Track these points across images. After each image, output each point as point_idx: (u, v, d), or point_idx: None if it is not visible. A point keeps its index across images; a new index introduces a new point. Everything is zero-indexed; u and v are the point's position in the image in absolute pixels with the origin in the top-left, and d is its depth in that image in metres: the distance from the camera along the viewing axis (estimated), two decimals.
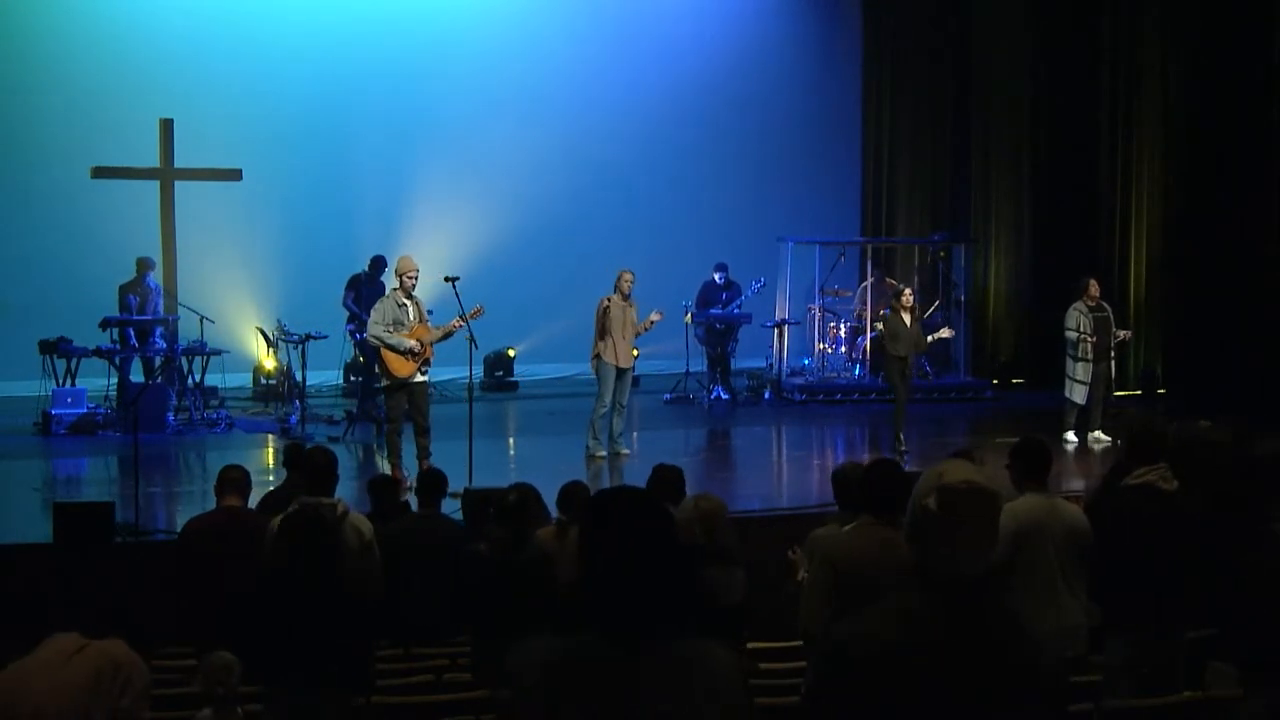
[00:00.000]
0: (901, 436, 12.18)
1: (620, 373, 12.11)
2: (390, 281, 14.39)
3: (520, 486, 6.80)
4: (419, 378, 10.96)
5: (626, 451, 12.10)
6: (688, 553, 5.32)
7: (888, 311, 13.03)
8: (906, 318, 12.42)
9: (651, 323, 12.29)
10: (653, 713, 2.62)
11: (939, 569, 2.86)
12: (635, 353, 12.55)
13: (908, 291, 12.81)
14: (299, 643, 5.19)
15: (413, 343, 10.83)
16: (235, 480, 7.15)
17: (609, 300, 12.14)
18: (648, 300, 12.88)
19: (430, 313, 11.31)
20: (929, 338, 12.79)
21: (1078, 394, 12.78)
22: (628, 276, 12.22)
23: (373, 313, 11.20)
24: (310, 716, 5.12)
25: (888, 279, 16.88)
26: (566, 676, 2.62)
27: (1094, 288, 12.87)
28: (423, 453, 10.91)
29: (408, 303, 10.99)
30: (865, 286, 16.74)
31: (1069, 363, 12.85)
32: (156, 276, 14.29)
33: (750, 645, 6.12)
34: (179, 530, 9.39)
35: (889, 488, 4.96)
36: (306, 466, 6.65)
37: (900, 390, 12.45)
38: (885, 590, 4.30)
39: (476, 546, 6.43)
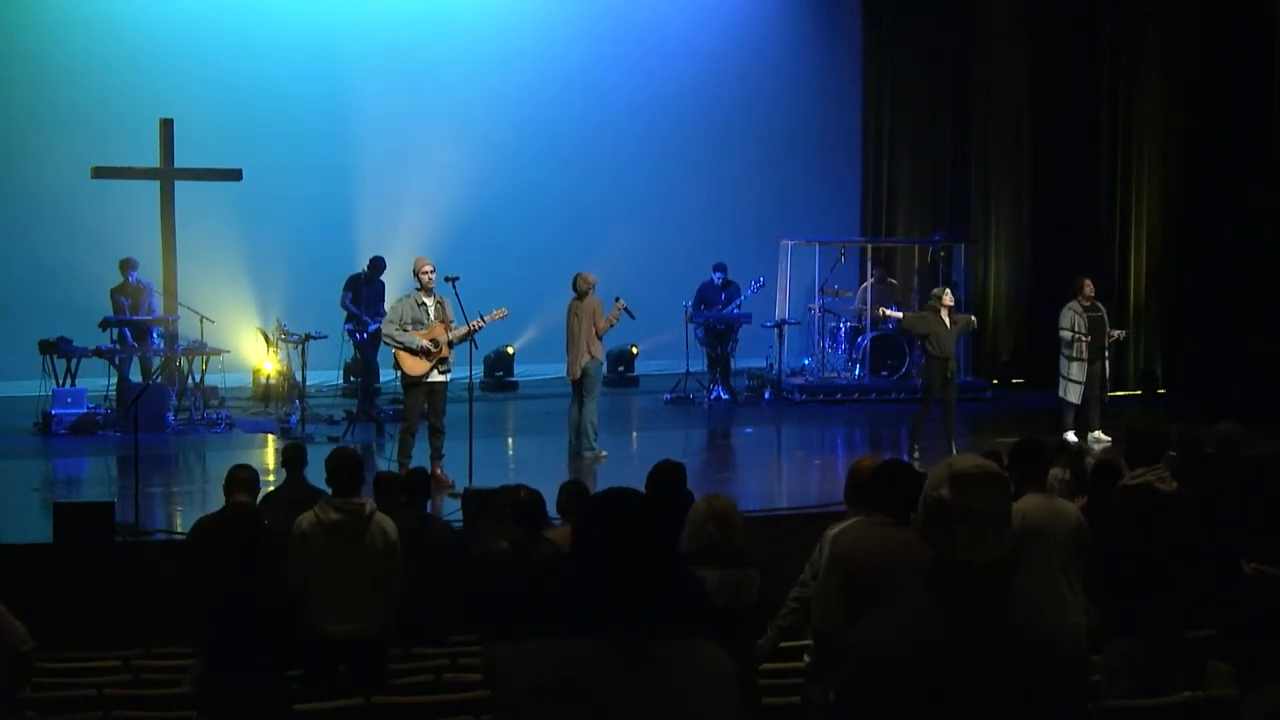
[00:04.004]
0: (950, 445, 11.80)
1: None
2: (389, 282, 14.50)
3: (523, 486, 6.80)
4: (437, 377, 10.94)
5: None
6: (678, 552, 5.30)
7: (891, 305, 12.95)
8: (946, 318, 12.10)
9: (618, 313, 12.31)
10: (647, 713, 2.61)
11: (953, 559, 2.82)
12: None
13: (948, 291, 12.43)
14: (228, 639, 5.21)
15: (423, 341, 10.83)
16: (244, 479, 7.18)
17: (594, 301, 12.13)
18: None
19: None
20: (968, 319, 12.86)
21: (1072, 393, 12.77)
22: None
23: (389, 311, 11.26)
24: (241, 713, 5.12)
25: (889, 279, 16.90)
26: (560, 679, 2.62)
27: (1088, 287, 12.86)
28: (435, 454, 10.92)
29: (427, 301, 10.99)
30: (865, 287, 16.73)
31: (1063, 362, 12.85)
32: (152, 275, 14.29)
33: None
34: (179, 530, 9.49)
35: (902, 486, 4.92)
36: (329, 468, 6.68)
37: (934, 394, 12.01)
38: (898, 589, 4.29)
39: (498, 545, 6.41)
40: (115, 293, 13.98)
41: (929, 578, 2.87)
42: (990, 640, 2.78)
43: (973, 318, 13.32)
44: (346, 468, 6.57)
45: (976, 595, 2.81)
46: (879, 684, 2.79)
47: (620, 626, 2.65)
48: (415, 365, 10.87)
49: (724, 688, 2.71)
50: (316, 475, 7.25)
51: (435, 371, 10.92)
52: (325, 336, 14.16)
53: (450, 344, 10.94)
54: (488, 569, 6.33)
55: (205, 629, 5.32)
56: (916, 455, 11.65)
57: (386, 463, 11.32)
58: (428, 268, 11.00)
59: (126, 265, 14.10)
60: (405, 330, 10.87)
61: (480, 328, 11.00)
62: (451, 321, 10.99)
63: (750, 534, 5.94)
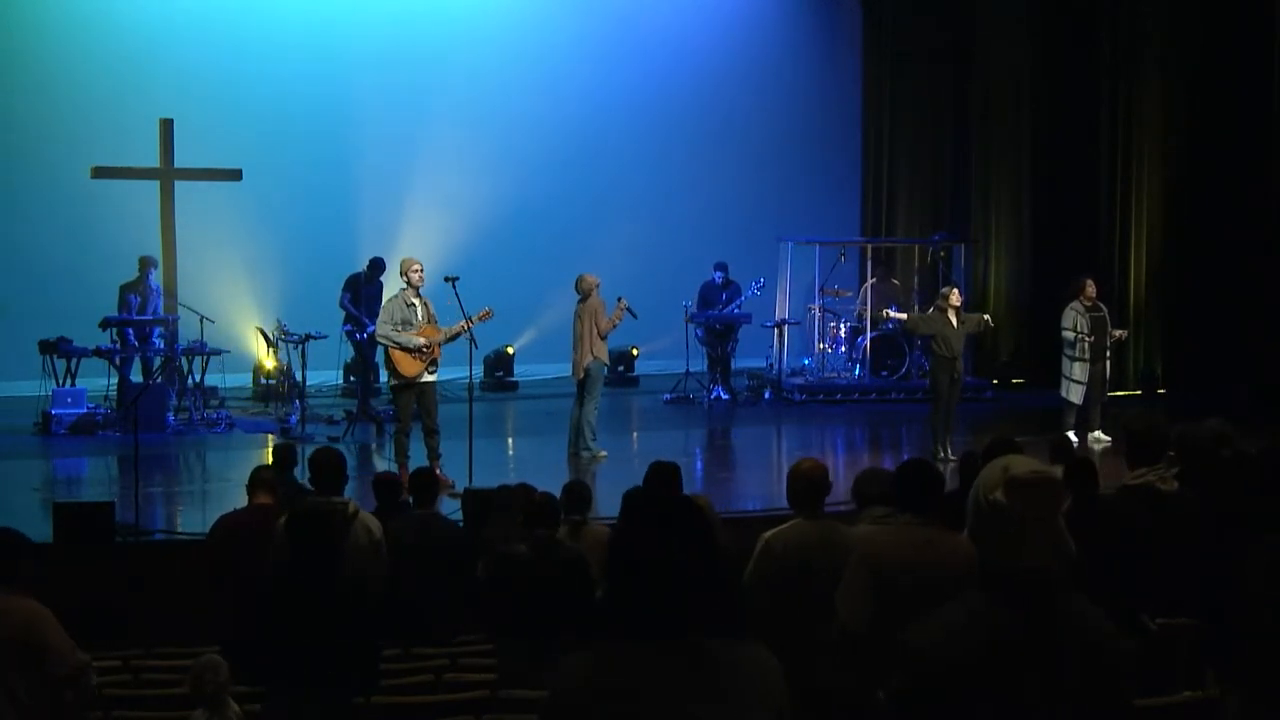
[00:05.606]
0: (947, 445, 11.77)
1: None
2: (389, 283, 14.49)
3: (528, 488, 6.79)
4: (427, 377, 10.95)
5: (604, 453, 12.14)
6: (723, 554, 5.27)
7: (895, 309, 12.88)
8: (953, 318, 12.04)
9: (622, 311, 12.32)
10: (702, 715, 2.60)
11: (1006, 565, 2.78)
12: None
13: (954, 291, 12.37)
14: (301, 641, 5.17)
15: (420, 341, 10.85)
16: (267, 480, 7.17)
17: (595, 302, 12.14)
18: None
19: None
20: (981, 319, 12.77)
21: (1074, 394, 12.76)
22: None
23: (381, 312, 11.26)
24: (311, 717, 5.10)
25: (892, 279, 16.90)
26: (615, 689, 2.60)
27: (1090, 288, 12.85)
28: (432, 453, 10.91)
29: (416, 302, 11.00)
30: (868, 286, 16.72)
31: (1065, 363, 12.84)
32: (157, 277, 14.29)
33: None
34: (179, 530, 9.50)
35: (925, 486, 4.90)
36: (315, 467, 6.65)
37: (945, 395, 11.96)
38: (924, 590, 4.27)
39: (516, 548, 6.39)
40: (126, 289, 13.92)
41: (982, 580, 2.82)
42: (1047, 643, 2.76)
43: (986, 316, 13.22)
44: (329, 467, 6.54)
45: (1032, 598, 2.78)
46: (937, 685, 2.77)
47: (673, 629, 2.63)
48: (410, 365, 10.88)
49: (774, 687, 2.71)
50: None
51: (425, 372, 10.94)
52: (325, 336, 14.15)
53: (438, 344, 10.96)
54: (506, 571, 6.29)
55: (270, 633, 5.21)
56: (942, 455, 11.60)
57: (386, 463, 11.32)
58: (416, 267, 11.02)
59: (145, 263, 14.05)
60: (398, 330, 10.88)
61: (467, 329, 10.99)
62: (436, 321, 11.02)
63: (728, 533, 5.95)
